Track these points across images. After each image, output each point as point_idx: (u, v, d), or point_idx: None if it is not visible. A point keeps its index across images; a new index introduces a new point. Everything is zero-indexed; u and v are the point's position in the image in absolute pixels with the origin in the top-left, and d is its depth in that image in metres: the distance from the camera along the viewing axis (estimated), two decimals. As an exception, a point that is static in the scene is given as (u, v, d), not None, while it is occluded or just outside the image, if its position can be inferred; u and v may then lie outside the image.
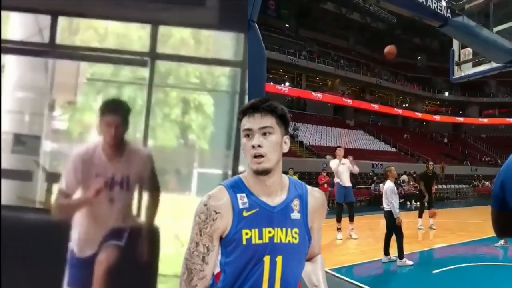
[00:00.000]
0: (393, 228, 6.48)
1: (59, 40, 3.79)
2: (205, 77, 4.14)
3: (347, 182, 9.12)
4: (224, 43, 4.09)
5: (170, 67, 4.07)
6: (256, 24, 3.75)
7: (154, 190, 3.25)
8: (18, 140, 3.65)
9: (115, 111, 3.05)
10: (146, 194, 3.24)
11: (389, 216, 6.50)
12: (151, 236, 3.30)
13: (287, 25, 34.57)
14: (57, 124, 3.87)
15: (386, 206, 6.54)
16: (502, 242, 7.86)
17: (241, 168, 3.85)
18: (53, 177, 3.66)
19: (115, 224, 3.13)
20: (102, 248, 3.07)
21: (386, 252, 6.72)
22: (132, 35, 3.96)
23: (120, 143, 3.12)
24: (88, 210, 3.12)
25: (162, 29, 3.94)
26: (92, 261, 3.06)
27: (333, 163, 9.25)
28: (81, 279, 3.08)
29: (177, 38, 4.04)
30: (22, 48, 3.64)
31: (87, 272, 3.05)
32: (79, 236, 3.13)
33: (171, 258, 3.65)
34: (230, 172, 3.93)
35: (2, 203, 3.33)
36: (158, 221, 3.35)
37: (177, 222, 3.69)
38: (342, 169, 9.07)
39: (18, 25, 3.68)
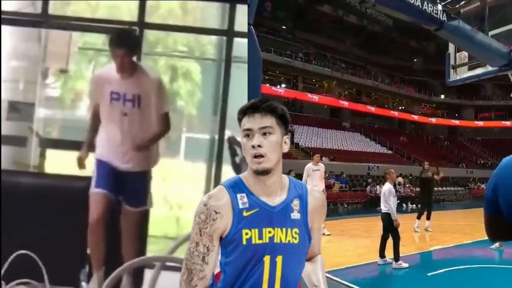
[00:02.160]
0: (390, 230, 6.49)
1: (51, 10, 3.93)
2: (193, 46, 4.34)
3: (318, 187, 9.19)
4: (210, 12, 4.28)
5: (158, 36, 4.27)
6: (252, 27, 3.77)
7: (164, 113, 3.47)
8: (13, 107, 3.79)
9: (121, 44, 3.33)
10: (155, 115, 3.45)
11: (386, 218, 6.51)
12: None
13: (283, 27, 34.61)
14: (50, 91, 4.05)
15: (383, 208, 6.54)
16: (497, 244, 7.87)
17: (227, 132, 4.01)
18: (46, 143, 3.87)
19: (126, 137, 3.36)
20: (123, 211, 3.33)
21: (382, 254, 6.72)
22: (122, 5, 4.13)
23: (129, 67, 3.38)
24: (105, 120, 3.39)
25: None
26: (112, 169, 3.34)
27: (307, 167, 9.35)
28: (105, 178, 3.33)
29: (165, 8, 4.20)
30: (16, 19, 3.76)
31: (109, 177, 3.33)
32: (101, 139, 3.40)
33: (160, 220, 3.84)
34: (216, 137, 4.13)
35: (1, 167, 3.50)
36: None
37: (166, 185, 3.89)
38: (314, 175, 9.15)
39: None
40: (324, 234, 9.48)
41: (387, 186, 6.61)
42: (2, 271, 3.05)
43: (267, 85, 28.15)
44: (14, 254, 3.06)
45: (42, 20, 3.86)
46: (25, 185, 3.44)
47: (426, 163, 11.18)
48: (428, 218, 10.64)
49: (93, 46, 4.10)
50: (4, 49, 3.75)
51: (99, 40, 3.96)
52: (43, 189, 3.38)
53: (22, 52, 3.88)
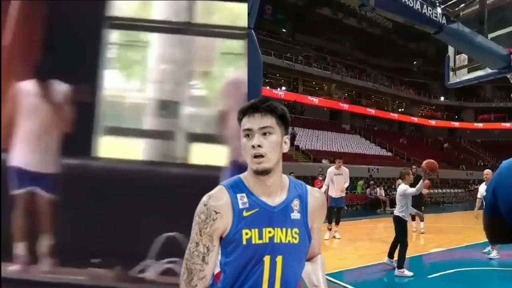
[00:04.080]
0: (398, 236, 6.31)
1: (196, 19, 4.34)
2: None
3: (339, 193, 9.19)
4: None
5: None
6: (252, 31, 3.81)
7: None
8: (162, 106, 4.25)
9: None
10: None
11: (395, 221, 6.31)
12: None
13: (283, 30, 34.68)
14: (194, 91, 4.49)
15: (396, 211, 6.34)
16: (494, 253, 7.53)
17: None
18: (191, 137, 4.34)
19: None
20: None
21: (391, 255, 6.56)
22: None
23: None
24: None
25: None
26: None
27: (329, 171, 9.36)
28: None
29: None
30: (164, 27, 4.24)
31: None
32: None
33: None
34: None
35: (150, 159, 4.10)
36: None
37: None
38: (337, 179, 9.12)
39: (161, 7, 4.28)
40: (334, 237, 9.46)
41: (404, 187, 6.37)
42: (155, 251, 3.47)
43: (267, 88, 28.19)
44: (164, 236, 3.44)
45: (187, 27, 4.26)
46: (173, 175, 3.87)
47: (413, 167, 11.22)
48: (421, 219, 10.67)
49: (232, 51, 4.52)
50: (153, 53, 4.28)
51: (238, 45, 4.39)
52: (188, 177, 3.75)
53: (169, 56, 4.31)
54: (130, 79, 4.35)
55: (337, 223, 9.54)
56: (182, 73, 4.28)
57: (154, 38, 4.30)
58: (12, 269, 3.38)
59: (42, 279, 3.32)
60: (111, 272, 3.33)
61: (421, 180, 6.29)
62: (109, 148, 4.02)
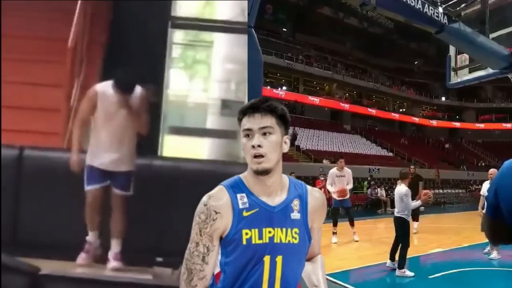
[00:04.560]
0: (400, 236, 6.29)
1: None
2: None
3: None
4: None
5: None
6: (253, 29, 3.80)
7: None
8: (225, 105, 4.22)
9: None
10: None
11: (397, 222, 6.29)
12: None
13: (284, 29, 34.67)
14: None
15: (397, 212, 6.30)
16: (495, 254, 7.54)
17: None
18: None
19: None
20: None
21: (392, 258, 6.53)
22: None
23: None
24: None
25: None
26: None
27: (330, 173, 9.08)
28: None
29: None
30: (228, 27, 4.23)
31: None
32: None
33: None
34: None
35: (215, 158, 4.08)
36: None
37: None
38: (340, 181, 8.84)
39: (226, 7, 4.27)
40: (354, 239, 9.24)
41: (403, 192, 6.27)
42: None
43: (268, 87, 28.18)
44: None
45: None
46: (237, 174, 4.00)
47: (412, 167, 11.20)
48: (417, 219, 10.64)
49: None
50: (218, 53, 4.27)
51: None
52: None
53: (233, 56, 4.29)
54: (194, 78, 4.35)
55: (351, 224, 9.18)
56: (245, 72, 4.21)
57: (220, 38, 4.27)
58: (78, 259, 3.38)
59: (109, 279, 3.30)
60: (176, 271, 3.27)
61: (419, 200, 6.46)
62: (174, 147, 4.04)
